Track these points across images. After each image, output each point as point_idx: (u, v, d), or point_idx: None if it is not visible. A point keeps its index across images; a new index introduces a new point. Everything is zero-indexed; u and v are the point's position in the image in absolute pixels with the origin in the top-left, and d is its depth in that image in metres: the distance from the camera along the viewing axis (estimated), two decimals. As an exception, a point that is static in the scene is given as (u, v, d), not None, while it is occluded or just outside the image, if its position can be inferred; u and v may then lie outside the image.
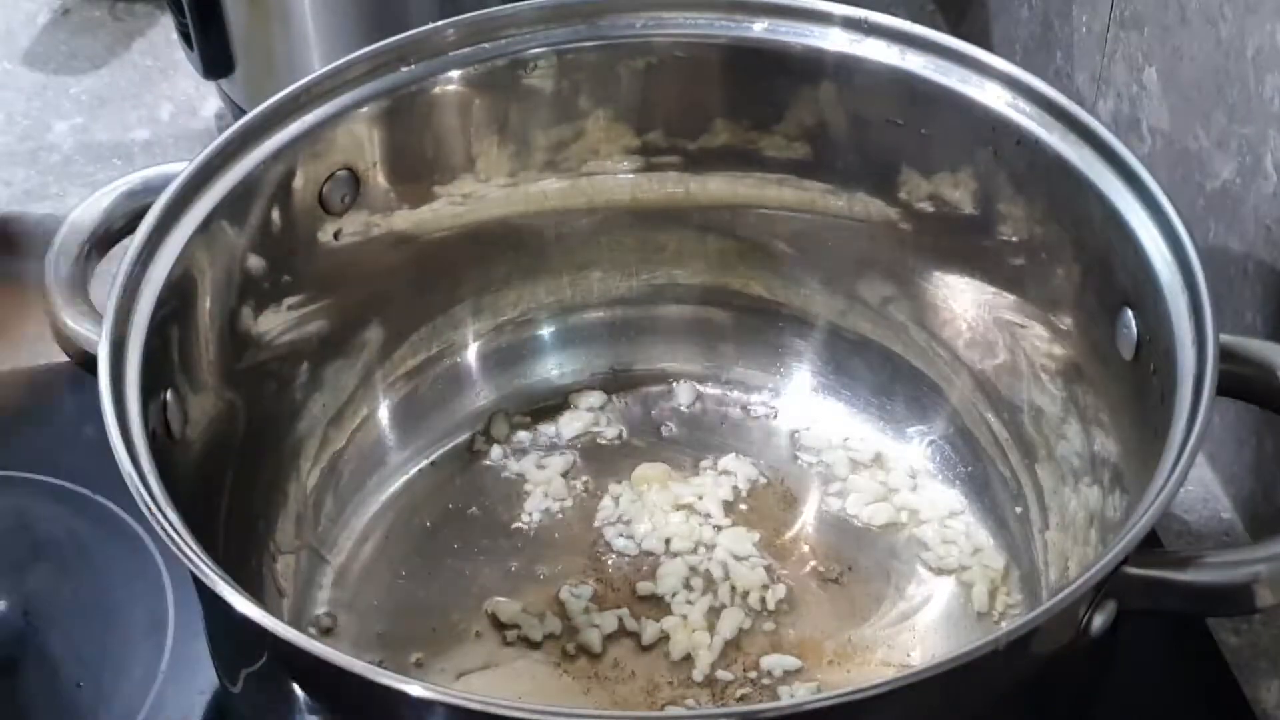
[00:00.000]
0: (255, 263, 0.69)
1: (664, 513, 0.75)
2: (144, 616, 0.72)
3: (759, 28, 0.73)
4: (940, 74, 0.70)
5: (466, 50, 0.73)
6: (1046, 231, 0.69)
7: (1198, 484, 0.77)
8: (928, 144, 0.72)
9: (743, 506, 0.76)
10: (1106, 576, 0.53)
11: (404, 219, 0.75)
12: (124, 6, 1.09)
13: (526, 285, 0.80)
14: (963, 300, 0.75)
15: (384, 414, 0.78)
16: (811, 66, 0.73)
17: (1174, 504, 0.73)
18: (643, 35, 0.74)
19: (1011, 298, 0.72)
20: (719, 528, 0.74)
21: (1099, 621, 0.55)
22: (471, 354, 0.80)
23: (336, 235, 0.73)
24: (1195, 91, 0.73)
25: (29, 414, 0.83)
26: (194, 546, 0.54)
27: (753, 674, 0.69)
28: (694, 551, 0.74)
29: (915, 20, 0.71)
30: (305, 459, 0.74)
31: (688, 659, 0.70)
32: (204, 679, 0.69)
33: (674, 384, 0.81)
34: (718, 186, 0.78)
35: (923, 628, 0.71)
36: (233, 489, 0.68)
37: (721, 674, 0.69)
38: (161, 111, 1.02)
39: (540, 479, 0.77)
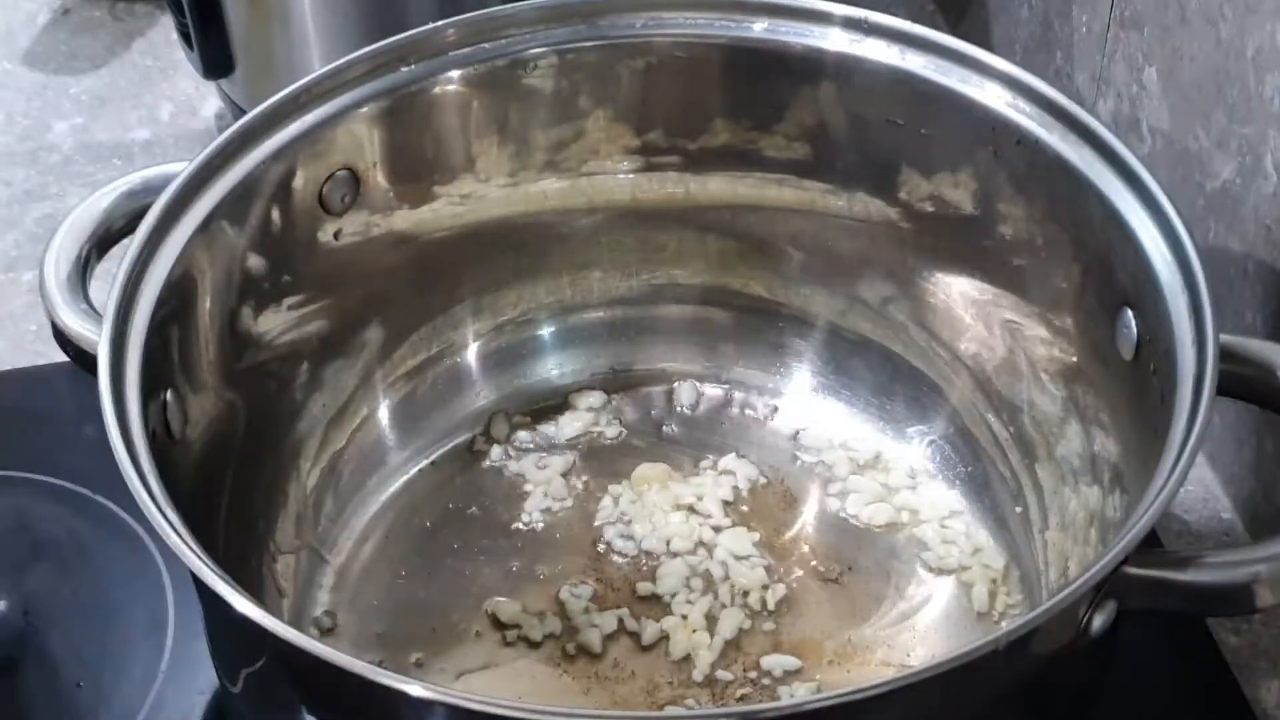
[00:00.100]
0: (255, 263, 0.69)
1: (664, 513, 0.75)
2: (144, 616, 0.72)
3: (759, 28, 0.73)
4: (940, 74, 0.70)
5: (466, 50, 0.73)
6: (1046, 231, 0.69)
7: (1198, 484, 0.77)
8: (928, 144, 0.72)
9: (743, 506, 0.76)
10: (1106, 576, 0.53)
11: (404, 219, 0.75)
12: (124, 6, 1.09)
13: (526, 285, 0.80)
14: (963, 300, 0.75)
15: (384, 414, 0.78)
16: (811, 66, 0.73)
17: (1174, 504, 0.73)
18: (643, 35, 0.74)
19: (1011, 298, 0.72)
20: (719, 528, 0.74)
21: (1099, 621, 0.55)
22: (471, 354, 0.80)
23: (336, 235, 0.73)
24: (1195, 91, 0.73)
25: (29, 414, 0.83)
26: (194, 546, 0.54)
27: (753, 674, 0.69)
28: (694, 551, 0.74)
29: (915, 20, 0.71)
30: (305, 459, 0.74)
31: (688, 659, 0.70)
32: (204, 679, 0.69)
33: (674, 384, 0.81)
34: (718, 186, 0.78)
35: (923, 628, 0.71)
36: (233, 489, 0.68)
37: (721, 674, 0.69)
38: (161, 111, 1.02)
39: (540, 479, 0.77)
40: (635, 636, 0.70)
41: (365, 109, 0.71)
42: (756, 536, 0.74)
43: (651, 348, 0.82)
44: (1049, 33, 0.89)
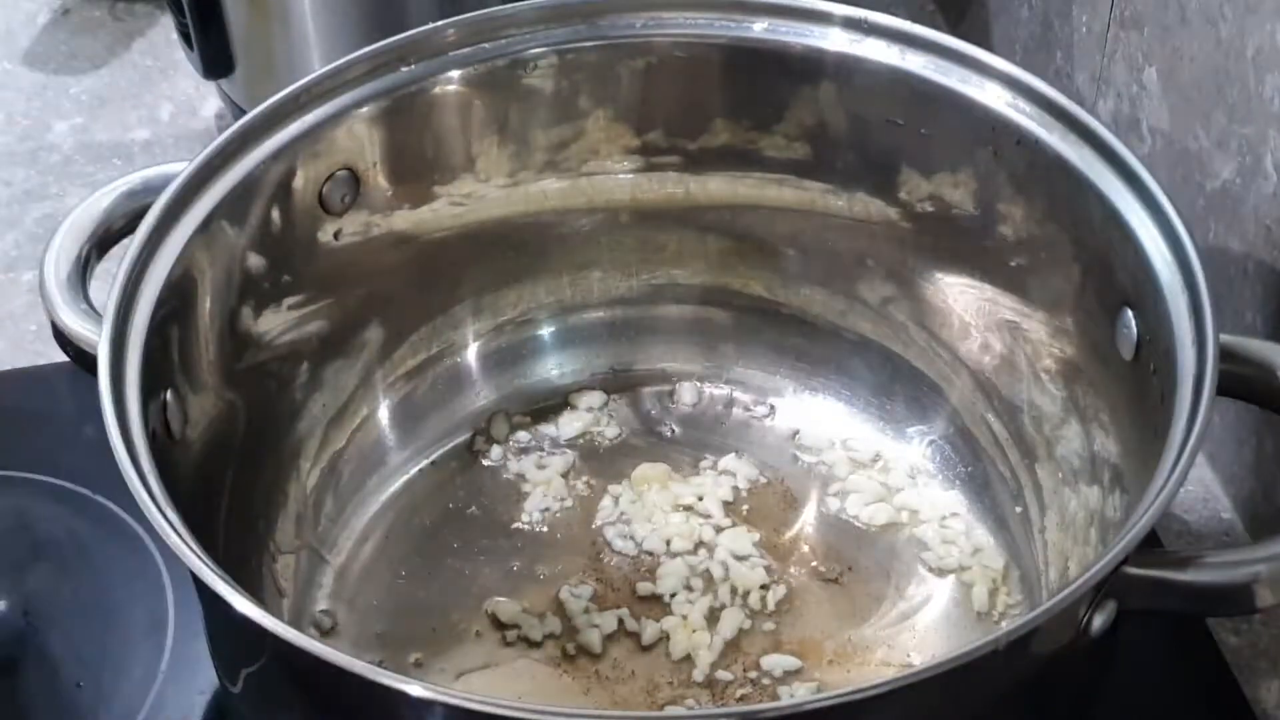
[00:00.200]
0: (255, 262, 0.69)
1: (664, 513, 0.75)
2: (144, 616, 0.72)
3: (759, 28, 0.73)
4: (940, 74, 0.70)
5: (466, 50, 0.73)
6: (1046, 231, 0.69)
7: (1198, 484, 0.77)
8: (928, 144, 0.72)
9: (743, 506, 0.76)
10: (1106, 576, 0.53)
11: (404, 219, 0.75)
12: (124, 6, 1.09)
13: (526, 285, 0.80)
14: (963, 300, 0.75)
15: (384, 414, 0.78)
16: (811, 66, 0.73)
17: (1174, 504, 0.73)
18: (643, 35, 0.74)
19: (1011, 298, 0.72)
20: (719, 528, 0.74)
21: (1099, 621, 0.55)
22: (471, 354, 0.80)
23: (336, 235, 0.73)
24: (1195, 91, 0.73)
25: (29, 414, 0.83)
26: (194, 546, 0.54)
27: (753, 674, 0.69)
28: (694, 551, 0.74)
29: (915, 20, 0.71)
30: (305, 459, 0.74)
31: (688, 659, 0.70)
32: (204, 679, 0.69)
33: (674, 384, 0.81)
34: (718, 186, 0.78)
35: (923, 628, 0.71)
36: (233, 489, 0.68)
37: (721, 674, 0.69)
38: (161, 111, 1.02)
39: (540, 479, 0.77)
40: (635, 636, 0.70)
41: (365, 109, 0.71)
42: (756, 536, 0.74)
43: (651, 348, 0.82)
44: (1049, 33, 0.89)
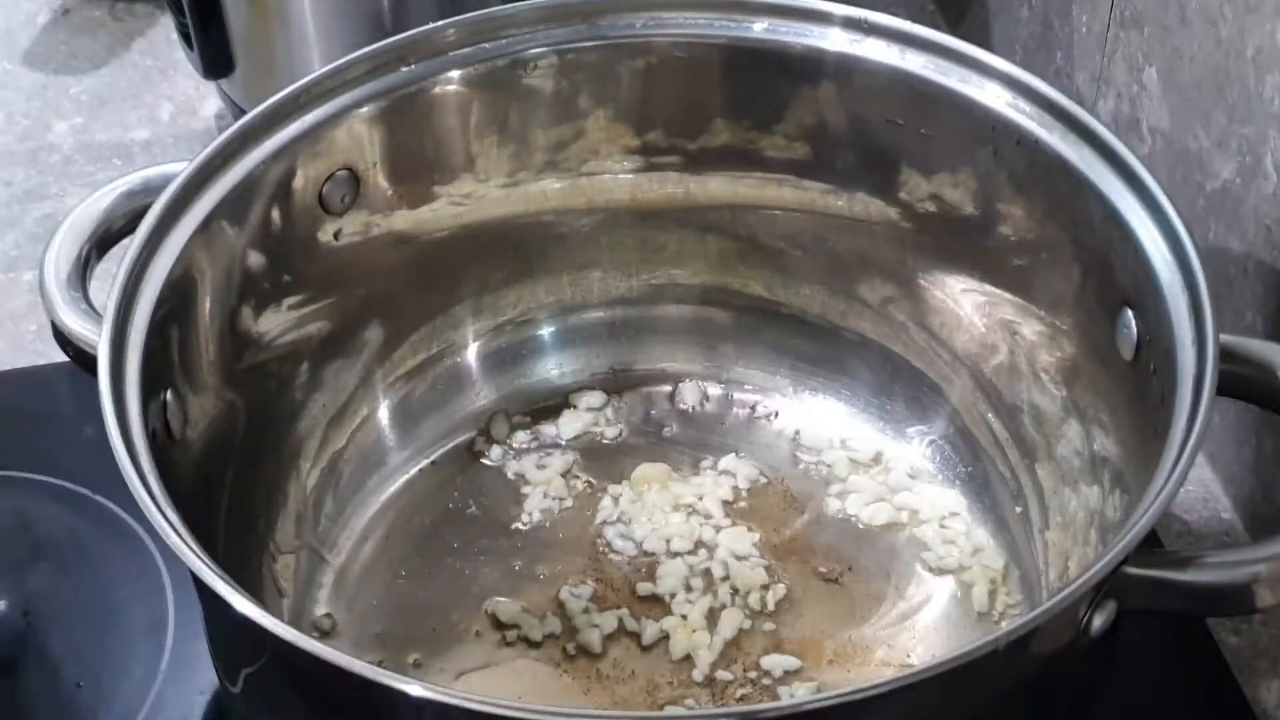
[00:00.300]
0: (255, 262, 0.69)
1: (664, 513, 0.75)
2: (144, 616, 0.72)
3: (759, 28, 0.73)
4: (940, 74, 0.70)
5: (466, 50, 0.73)
6: (1046, 231, 0.69)
7: (1198, 484, 0.77)
8: (928, 144, 0.72)
9: (743, 506, 0.76)
10: (1106, 576, 0.53)
11: (404, 219, 0.75)
12: (124, 6, 1.09)
13: (526, 285, 0.80)
14: (963, 300, 0.75)
15: (384, 414, 0.78)
16: (811, 66, 0.73)
17: (1174, 504, 0.73)
18: (643, 35, 0.74)
19: (1011, 298, 0.72)
20: (719, 528, 0.74)
21: (1099, 621, 0.55)
22: (471, 354, 0.80)
23: (336, 235, 0.73)
24: (1195, 91, 0.73)
25: (29, 414, 0.83)
26: (194, 546, 0.54)
27: (753, 674, 0.69)
28: (694, 551, 0.74)
29: (915, 20, 0.71)
30: (305, 459, 0.74)
31: (688, 659, 0.70)
32: (204, 679, 0.69)
33: (674, 384, 0.81)
34: (718, 186, 0.78)
35: (923, 628, 0.71)
36: (233, 489, 0.68)
37: (721, 674, 0.69)
38: (161, 111, 1.02)
39: (540, 479, 0.77)
40: (635, 636, 0.70)
41: (365, 109, 0.71)
42: (756, 536, 0.74)
43: (651, 348, 0.82)
44: (1049, 33, 0.89)
